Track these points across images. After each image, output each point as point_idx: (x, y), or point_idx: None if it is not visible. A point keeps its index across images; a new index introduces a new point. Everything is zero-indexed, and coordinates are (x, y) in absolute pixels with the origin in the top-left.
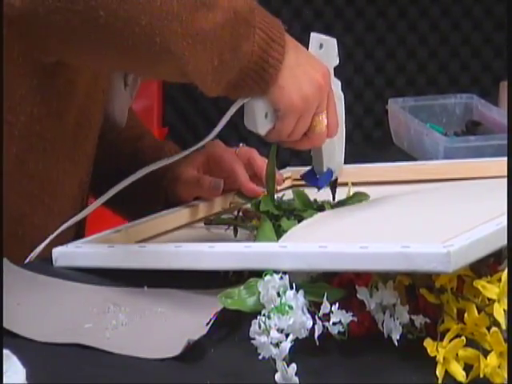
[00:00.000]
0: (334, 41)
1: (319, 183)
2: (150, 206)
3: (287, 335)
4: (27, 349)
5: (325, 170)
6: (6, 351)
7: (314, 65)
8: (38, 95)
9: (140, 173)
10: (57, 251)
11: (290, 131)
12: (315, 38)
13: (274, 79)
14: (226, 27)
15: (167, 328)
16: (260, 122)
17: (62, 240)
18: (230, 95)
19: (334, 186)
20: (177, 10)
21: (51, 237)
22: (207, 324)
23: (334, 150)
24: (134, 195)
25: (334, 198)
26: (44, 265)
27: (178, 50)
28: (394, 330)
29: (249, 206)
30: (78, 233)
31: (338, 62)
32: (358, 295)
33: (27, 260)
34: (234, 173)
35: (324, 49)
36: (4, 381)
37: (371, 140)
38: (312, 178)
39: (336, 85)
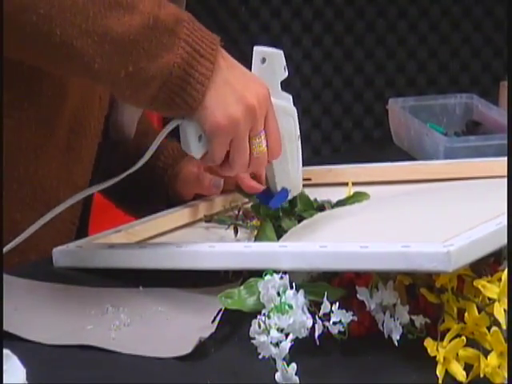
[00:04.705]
0: (280, 53)
1: (271, 203)
2: (153, 203)
3: (287, 335)
4: (27, 349)
5: (279, 189)
6: (6, 351)
7: (247, 84)
8: (25, 100)
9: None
10: (57, 251)
11: (221, 155)
12: (258, 51)
13: (202, 96)
14: (144, 33)
15: (171, 327)
16: (193, 145)
17: (64, 240)
18: (160, 112)
19: (291, 205)
20: (83, 4)
21: (23, 235)
22: (213, 322)
23: (287, 168)
24: (137, 192)
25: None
26: (44, 265)
27: (81, 46)
28: (394, 330)
29: (249, 205)
30: (80, 233)
31: (286, 74)
32: (358, 295)
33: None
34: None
35: (267, 63)
36: (4, 381)
37: (371, 140)
38: (266, 198)
39: (286, 99)
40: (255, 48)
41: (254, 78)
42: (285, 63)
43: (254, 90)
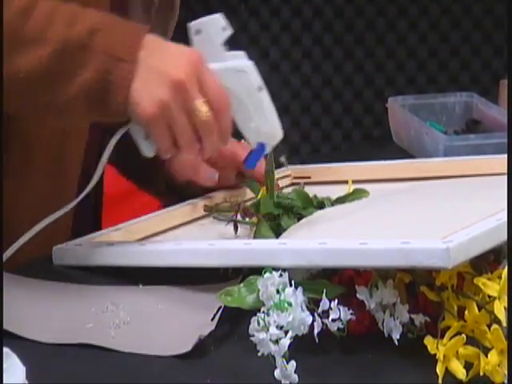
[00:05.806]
0: (213, 17)
1: (247, 164)
2: (154, 181)
3: (286, 332)
4: (27, 347)
5: (254, 146)
6: (5, 349)
7: (171, 60)
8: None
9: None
10: (57, 249)
11: (166, 144)
12: (191, 27)
13: (125, 99)
14: (54, 59)
15: (171, 324)
16: (143, 145)
17: (62, 236)
18: (102, 121)
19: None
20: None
21: (21, 240)
22: (212, 319)
23: (253, 124)
24: (142, 169)
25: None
26: (44, 263)
27: (9, 91)
28: (394, 329)
29: (249, 203)
30: (94, 229)
31: (228, 33)
32: (357, 295)
33: (5, 256)
34: (235, 155)
35: (203, 32)
36: (4, 379)
37: (371, 138)
38: (247, 160)
39: (236, 57)
40: (188, 25)
41: (180, 51)
42: (224, 23)
43: (179, 62)
